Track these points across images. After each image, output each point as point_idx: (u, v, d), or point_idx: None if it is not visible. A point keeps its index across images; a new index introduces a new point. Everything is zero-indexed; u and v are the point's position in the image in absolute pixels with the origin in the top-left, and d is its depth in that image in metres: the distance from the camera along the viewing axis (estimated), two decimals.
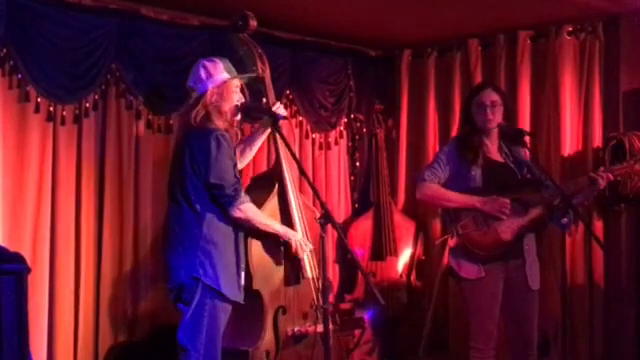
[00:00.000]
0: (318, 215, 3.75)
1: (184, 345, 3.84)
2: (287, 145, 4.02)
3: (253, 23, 4.42)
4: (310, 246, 4.30)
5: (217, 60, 4.00)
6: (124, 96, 5.05)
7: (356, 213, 6.39)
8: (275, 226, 4.16)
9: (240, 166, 4.39)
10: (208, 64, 3.97)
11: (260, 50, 4.48)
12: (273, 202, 4.34)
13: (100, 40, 4.84)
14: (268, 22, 5.44)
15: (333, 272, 6.07)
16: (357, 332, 5.48)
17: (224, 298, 3.85)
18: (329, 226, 3.69)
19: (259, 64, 4.43)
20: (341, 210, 6.34)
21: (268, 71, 4.48)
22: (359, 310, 5.74)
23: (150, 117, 5.15)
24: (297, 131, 6.02)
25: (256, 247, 4.16)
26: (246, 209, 3.92)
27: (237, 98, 4.02)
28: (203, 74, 3.94)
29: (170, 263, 3.92)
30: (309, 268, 4.33)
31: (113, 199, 5.00)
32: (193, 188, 3.86)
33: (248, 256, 4.11)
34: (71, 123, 4.84)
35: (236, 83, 4.03)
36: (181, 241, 3.87)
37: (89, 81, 4.82)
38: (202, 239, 3.83)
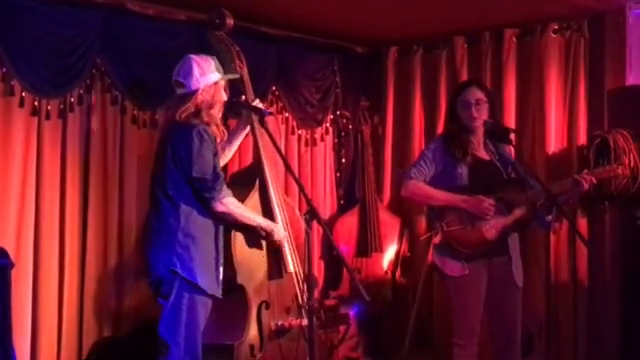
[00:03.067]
0: (299, 212, 3.75)
1: (165, 339, 3.83)
2: (273, 141, 4.00)
3: (230, 21, 4.41)
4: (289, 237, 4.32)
5: (209, 58, 3.95)
6: (109, 91, 5.04)
7: (341, 209, 6.39)
8: (257, 219, 4.15)
9: (222, 163, 4.40)
10: (201, 62, 3.90)
11: (237, 48, 4.47)
12: (254, 197, 4.35)
13: (86, 34, 4.82)
14: (255, 18, 5.45)
15: (318, 268, 6.07)
16: (342, 328, 5.49)
17: (202, 292, 3.84)
18: (314, 222, 3.69)
19: (237, 62, 4.42)
20: (326, 206, 6.35)
21: (246, 69, 4.48)
22: (344, 306, 5.73)
23: (135, 112, 5.13)
24: (283, 127, 6.02)
25: (240, 242, 4.17)
26: (228, 203, 3.91)
27: (223, 95, 3.99)
28: (197, 72, 3.86)
29: (149, 257, 3.90)
30: (291, 262, 4.33)
31: (98, 194, 4.99)
32: (173, 182, 3.84)
33: (232, 251, 4.11)
34: (56, 118, 4.82)
35: (223, 81, 4.02)
36: (159, 235, 3.86)
37: (74, 75, 4.80)
38: (180, 232, 3.80)
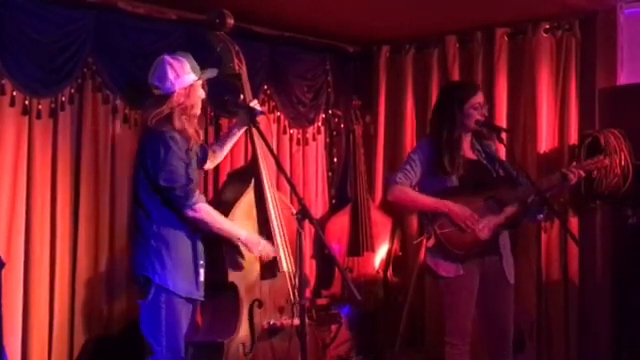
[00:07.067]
0: (295, 211, 3.75)
1: (147, 338, 3.88)
2: (265, 140, 4.00)
3: (230, 21, 4.42)
4: (277, 245, 4.29)
5: (182, 59, 3.92)
6: (100, 90, 5.03)
7: (333, 209, 6.39)
8: (234, 231, 4.07)
9: (212, 165, 4.44)
10: (175, 63, 3.89)
11: (237, 48, 4.47)
12: (249, 197, 4.35)
13: (76, 33, 4.81)
14: (247, 17, 5.44)
15: (310, 268, 6.07)
16: (334, 327, 5.50)
17: (179, 295, 3.85)
18: (306, 222, 3.69)
19: (236, 61, 4.43)
20: (318, 206, 6.35)
21: (244, 68, 4.48)
22: (336, 305, 5.74)
23: (127, 112, 5.12)
24: (275, 126, 6.02)
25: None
26: (200, 209, 3.87)
27: (200, 94, 4.00)
28: (171, 74, 3.86)
29: (131, 259, 4.00)
30: (285, 262, 4.33)
31: (89, 193, 4.98)
32: (144, 189, 3.87)
33: (222, 249, 4.12)
34: (47, 117, 4.82)
35: (201, 81, 4.01)
36: (136, 241, 3.93)
37: (65, 75, 4.79)
38: (153, 239, 3.83)
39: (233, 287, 4.20)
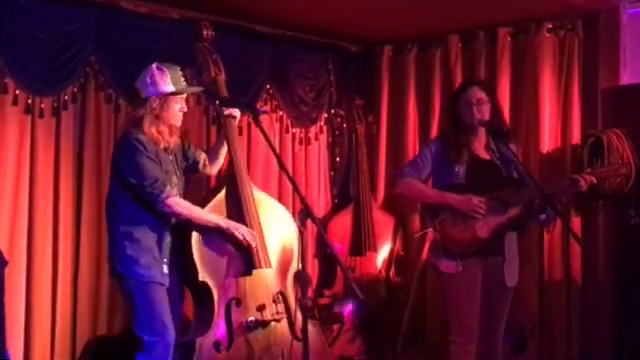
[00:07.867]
0: (293, 211, 3.77)
1: (137, 333, 3.98)
2: (267, 140, 4.02)
3: (207, 32, 4.61)
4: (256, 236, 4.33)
5: (166, 70, 4.04)
6: (103, 89, 5.04)
7: (336, 208, 6.38)
8: (213, 219, 4.18)
9: (213, 170, 4.52)
10: (157, 72, 4.02)
11: (215, 56, 4.59)
12: (220, 199, 4.39)
13: (79, 32, 4.82)
14: (249, 16, 5.45)
15: (312, 267, 6.07)
16: (336, 327, 5.50)
17: (148, 282, 3.96)
18: (308, 221, 3.69)
19: (212, 70, 4.55)
20: (320, 205, 6.34)
21: (222, 76, 4.58)
22: (338, 305, 5.75)
23: (129, 110, 5.11)
24: (277, 126, 6.02)
25: (198, 239, 4.21)
26: (172, 203, 3.99)
27: (179, 107, 4.10)
28: (149, 81, 4.01)
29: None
30: (262, 259, 4.33)
31: (91, 192, 4.98)
32: (114, 187, 4.05)
33: (191, 249, 4.18)
34: (49, 116, 4.83)
35: (183, 95, 4.11)
36: (107, 236, 4.10)
37: (68, 74, 4.80)
38: (119, 235, 3.99)
39: (205, 286, 4.24)
